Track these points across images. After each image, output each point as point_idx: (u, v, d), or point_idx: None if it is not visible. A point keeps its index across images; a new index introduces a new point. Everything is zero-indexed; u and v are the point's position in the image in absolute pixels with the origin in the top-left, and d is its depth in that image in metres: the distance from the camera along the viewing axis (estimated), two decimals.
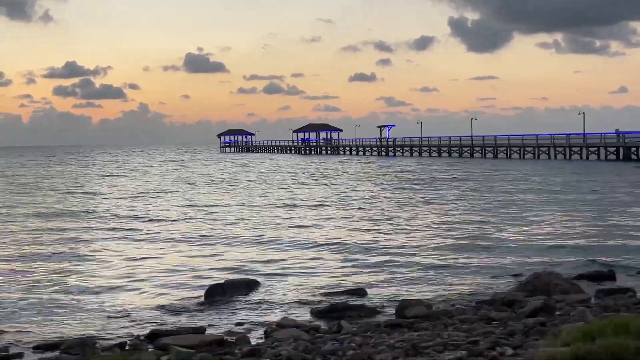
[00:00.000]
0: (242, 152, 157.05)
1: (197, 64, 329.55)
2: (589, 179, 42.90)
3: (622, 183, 39.01)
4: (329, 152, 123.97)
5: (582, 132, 78.74)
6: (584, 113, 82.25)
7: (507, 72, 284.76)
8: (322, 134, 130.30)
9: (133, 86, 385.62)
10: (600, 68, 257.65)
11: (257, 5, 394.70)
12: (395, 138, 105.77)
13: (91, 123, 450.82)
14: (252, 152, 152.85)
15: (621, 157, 69.66)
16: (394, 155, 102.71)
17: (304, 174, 58.29)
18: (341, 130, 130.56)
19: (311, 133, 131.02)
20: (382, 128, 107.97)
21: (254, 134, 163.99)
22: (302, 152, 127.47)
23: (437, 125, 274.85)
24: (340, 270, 14.76)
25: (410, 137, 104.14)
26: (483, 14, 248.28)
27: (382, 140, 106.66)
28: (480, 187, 38.61)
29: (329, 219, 24.74)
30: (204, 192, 39.27)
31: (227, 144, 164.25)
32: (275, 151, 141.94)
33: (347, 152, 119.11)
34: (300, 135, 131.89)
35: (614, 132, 73.48)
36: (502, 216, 24.31)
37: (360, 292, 12.13)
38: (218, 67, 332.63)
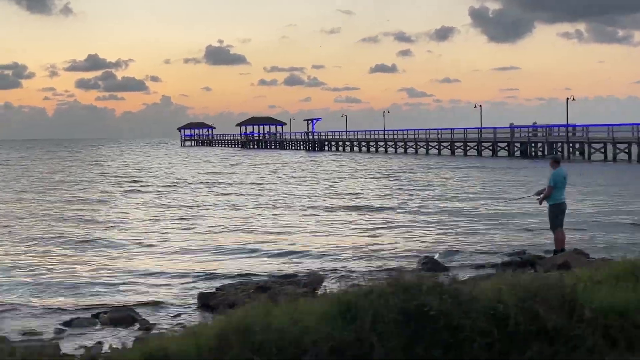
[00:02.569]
0: (200, 145, 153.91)
1: (218, 56, 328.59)
2: None
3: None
4: (272, 146, 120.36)
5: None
6: (480, 106, 78.27)
7: (529, 62, 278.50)
8: (266, 128, 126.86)
9: (155, 78, 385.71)
10: (624, 58, 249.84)
11: None
12: (320, 132, 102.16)
13: (114, 115, 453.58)
14: (210, 146, 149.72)
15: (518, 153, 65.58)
16: (321, 149, 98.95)
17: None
18: (284, 124, 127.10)
19: (255, 127, 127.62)
20: (309, 122, 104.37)
21: (214, 128, 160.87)
22: (245, 146, 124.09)
23: (459, 116, 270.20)
24: None
25: (333, 132, 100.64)
26: (504, 4, 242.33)
27: (309, 134, 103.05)
28: None
29: None
30: None
31: (187, 138, 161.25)
32: (222, 145, 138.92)
33: (288, 147, 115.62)
34: (244, 128, 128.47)
35: (508, 126, 69.51)
36: None
37: None
38: (239, 59, 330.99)
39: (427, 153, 77.05)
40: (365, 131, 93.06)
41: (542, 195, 14.79)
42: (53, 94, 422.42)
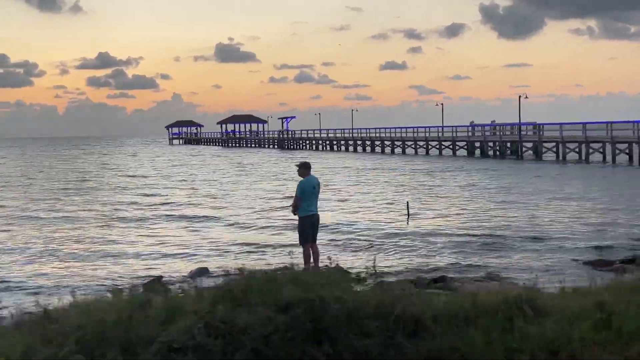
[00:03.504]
0: (187, 144, 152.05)
1: (228, 53, 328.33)
2: None
3: None
4: (251, 144, 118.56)
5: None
6: (442, 104, 76.42)
7: (540, 59, 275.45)
8: (247, 126, 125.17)
9: (165, 76, 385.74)
10: (635, 54, 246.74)
11: None
12: (294, 131, 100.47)
13: (125, 113, 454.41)
14: (197, 144, 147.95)
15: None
16: (294, 148, 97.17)
17: None
18: (266, 122, 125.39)
19: (236, 125, 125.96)
20: (283, 120, 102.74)
21: (202, 126, 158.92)
22: (226, 144, 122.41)
23: (470, 113, 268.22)
24: None
25: (306, 130, 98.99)
26: (514, 0, 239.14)
27: (283, 133, 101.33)
28: None
29: None
30: None
31: (175, 136, 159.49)
32: (207, 143, 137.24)
33: (264, 145, 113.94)
34: (225, 127, 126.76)
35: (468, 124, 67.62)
36: None
37: None
38: (248, 57, 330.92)
39: (392, 152, 75.21)
40: (336, 130, 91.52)
41: (291, 207, 13.15)
42: (64, 92, 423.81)
